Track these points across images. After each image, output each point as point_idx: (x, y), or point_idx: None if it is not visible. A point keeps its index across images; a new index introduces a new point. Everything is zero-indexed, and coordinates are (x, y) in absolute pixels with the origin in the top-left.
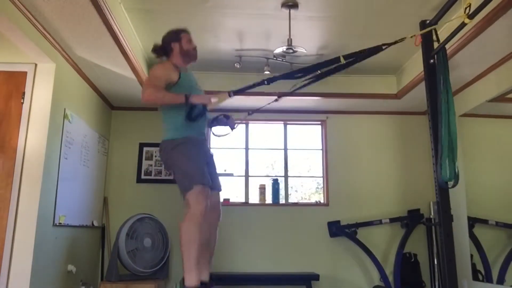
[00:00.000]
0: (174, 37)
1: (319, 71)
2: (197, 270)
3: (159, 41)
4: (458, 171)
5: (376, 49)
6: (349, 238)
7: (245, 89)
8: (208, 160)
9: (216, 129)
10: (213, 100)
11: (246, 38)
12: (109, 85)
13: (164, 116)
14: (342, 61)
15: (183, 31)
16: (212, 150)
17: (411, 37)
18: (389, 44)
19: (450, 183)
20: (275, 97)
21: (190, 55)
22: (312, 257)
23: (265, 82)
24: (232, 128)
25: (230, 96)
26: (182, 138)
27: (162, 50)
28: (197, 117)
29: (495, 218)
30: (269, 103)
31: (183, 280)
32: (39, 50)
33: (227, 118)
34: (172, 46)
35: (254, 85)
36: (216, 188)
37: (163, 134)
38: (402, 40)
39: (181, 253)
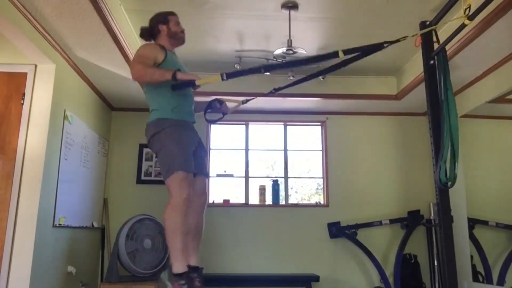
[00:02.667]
0: (161, 19)
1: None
2: (183, 257)
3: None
4: (457, 172)
5: (378, 47)
6: (349, 239)
7: (240, 73)
8: (196, 145)
9: (209, 115)
10: (202, 78)
11: (246, 39)
12: (109, 86)
13: (151, 96)
14: (341, 55)
15: (171, 13)
16: (201, 137)
17: (413, 36)
18: (391, 42)
19: (449, 184)
20: (272, 91)
21: (178, 37)
22: (312, 258)
23: (262, 70)
24: (224, 114)
25: (223, 78)
26: (170, 119)
27: (149, 32)
28: (182, 87)
29: (495, 219)
30: (267, 93)
31: (170, 267)
32: (39, 51)
33: (220, 103)
34: (159, 28)
35: (250, 71)
36: (202, 173)
37: (150, 116)
38: (404, 38)
39: (167, 241)
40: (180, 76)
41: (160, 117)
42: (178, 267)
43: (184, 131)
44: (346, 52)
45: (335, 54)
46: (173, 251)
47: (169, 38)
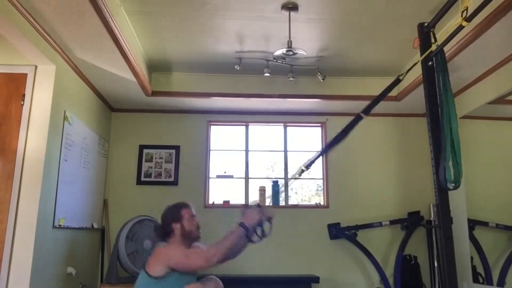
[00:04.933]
0: (174, 216)
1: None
2: None
3: (159, 44)
4: (461, 174)
5: (394, 83)
6: (349, 240)
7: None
8: None
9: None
10: (261, 213)
11: (246, 40)
12: (109, 87)
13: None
14: (365, 117)
15: (184, 206)
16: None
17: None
18: (406, 73)
19: (452, 185)
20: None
21: (192, 236)
22: (312, 259)
23: (304, 169)
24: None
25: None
26: None
27: (163, 231)
28: (267, 233)
29: (495, 220)
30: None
31: None
32: (39, 52)
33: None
34: (173, 227)
35: (293, 177)
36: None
37: None
38: (414, 65)
39: None
40: (247, 221)
41: None
42: None
43: None
44: (366, 110)
45: (359, 118)
46: None
47: (183, 237)
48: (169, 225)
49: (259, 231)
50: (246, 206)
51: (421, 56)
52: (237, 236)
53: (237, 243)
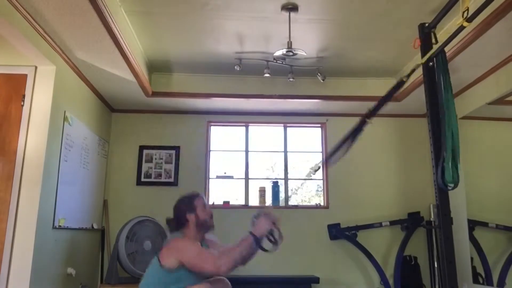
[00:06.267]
0: (188, 207)
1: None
2: None
3: (159, 45)
4: (459, 174)
5: (398, 86)
6: (349, 241)
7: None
8: None
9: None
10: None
11: (246, 41)
12: (109, 87)
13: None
14: (370, 122)
15: (196, 196)
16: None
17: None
18: (409, 75)
19: (451, 186)
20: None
21: (207, 225)
22: (312, 260)
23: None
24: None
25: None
26: None
27: (176, 223)
28: (277, 243)
29: (495, 221)
30: None
31: None
32: (39, 52)
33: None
34: (187, 217)
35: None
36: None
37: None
38: (418, 66)
39: None
40: (257, 232)
41: None
42: None
43: None
44: (370, 114)
45: (364, 123)
46: None
47: (198, 228)
48: (183, 216)
49: (271, 238)
50: (255, 216)
51: (421, 57)
52: (247, 246)
53: (248, 253)
